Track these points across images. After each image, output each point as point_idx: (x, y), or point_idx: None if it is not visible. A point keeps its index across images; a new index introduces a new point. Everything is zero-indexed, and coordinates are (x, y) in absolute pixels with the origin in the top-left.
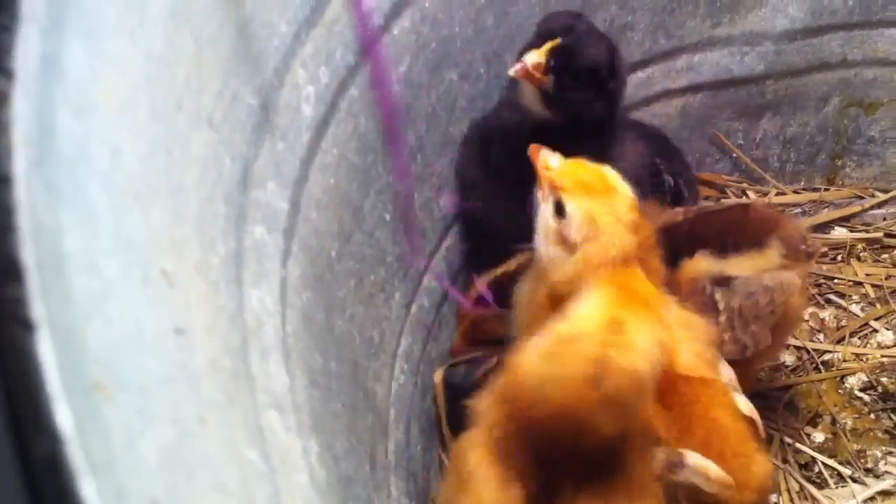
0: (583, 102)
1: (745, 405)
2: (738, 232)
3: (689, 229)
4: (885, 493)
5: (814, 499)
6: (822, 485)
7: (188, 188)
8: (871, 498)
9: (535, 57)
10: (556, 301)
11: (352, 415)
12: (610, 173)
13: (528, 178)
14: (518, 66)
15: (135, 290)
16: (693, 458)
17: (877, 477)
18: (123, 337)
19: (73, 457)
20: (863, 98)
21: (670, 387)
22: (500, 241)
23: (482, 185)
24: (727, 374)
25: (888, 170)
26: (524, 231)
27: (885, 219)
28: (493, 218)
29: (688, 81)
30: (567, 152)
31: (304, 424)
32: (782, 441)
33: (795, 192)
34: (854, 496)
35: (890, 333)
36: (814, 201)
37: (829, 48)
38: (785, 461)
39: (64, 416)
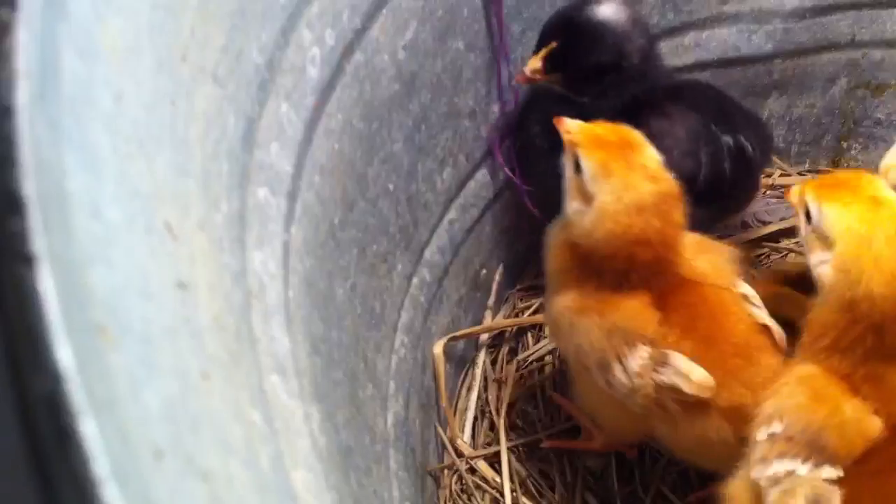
0: (600, 87)
1: (764, 316)
2: None
3: None
4: None
5: None
6: None
7: (192, 142)
8: None
9: (531, 65)
10: (579, 256)
11: (352, 385)
12: (628, 129)
13: (558, 147)
14: (518, 74)
15: (138, 238)
16: (676, 360)
17: None
18: (126, 284)
19: (74, 395)
20: (870, 80)
21: (676, 288)
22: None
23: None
24: (747, 290)
25: None
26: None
27: None
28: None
29: (695, 58)
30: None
31: (305, 391)
32: None
33: (800, 173)
34: None
35: None
36: None
37: (838, 28)
38: None
39: (64, 354)
